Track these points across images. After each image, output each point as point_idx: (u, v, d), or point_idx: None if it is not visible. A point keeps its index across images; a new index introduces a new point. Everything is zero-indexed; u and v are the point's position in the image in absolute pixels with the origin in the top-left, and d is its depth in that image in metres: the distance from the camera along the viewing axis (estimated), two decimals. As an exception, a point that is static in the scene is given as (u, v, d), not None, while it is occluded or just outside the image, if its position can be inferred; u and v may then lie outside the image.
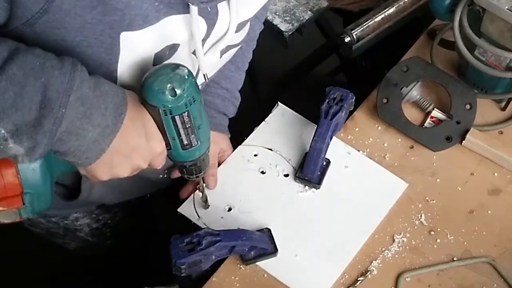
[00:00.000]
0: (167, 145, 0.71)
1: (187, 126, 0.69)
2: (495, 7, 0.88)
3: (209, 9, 0.70)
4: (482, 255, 0.89)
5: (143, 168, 0.71)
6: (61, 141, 0.61)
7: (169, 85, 0.65)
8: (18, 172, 0.68)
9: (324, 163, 0.97)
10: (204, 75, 0.79)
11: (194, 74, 0.80)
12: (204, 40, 0.74)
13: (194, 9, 0.66)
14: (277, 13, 1.38)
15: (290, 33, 1.36)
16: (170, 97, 0.65)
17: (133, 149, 0.67)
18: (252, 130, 1.04)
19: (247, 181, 0.98)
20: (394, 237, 0.92)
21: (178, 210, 0.95)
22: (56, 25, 0.60)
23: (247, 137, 1.04)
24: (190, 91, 0.66)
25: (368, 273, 0.88)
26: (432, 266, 0.89)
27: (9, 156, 0.60)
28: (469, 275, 0.88)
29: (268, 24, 1.36)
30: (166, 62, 0.69)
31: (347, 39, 1.24)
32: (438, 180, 0.97)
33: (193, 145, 0.72)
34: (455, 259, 0.89)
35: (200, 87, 0.88)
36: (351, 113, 1.03)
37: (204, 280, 0.89)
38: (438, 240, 0.91)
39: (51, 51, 0.62)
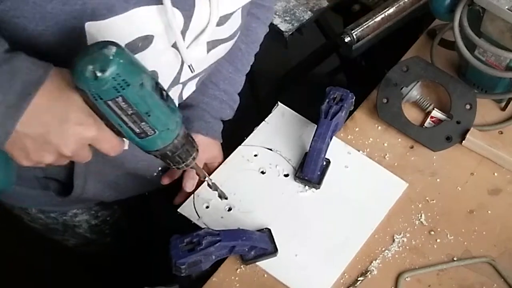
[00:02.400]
0: (118, 132, 0.66)
1: (128, 113, 0.63)
2: (495, 7, 0.88)
3: (185, 0, 0.69)
4: (482, 255, 0.89)
5: (68, 155, 0.65)
6: None
7: (90, 67, 0.58)
8: None
9: (324, 163, 0.97)
10: (189, 66, 0.78)
11: (178, 67, 0.79)
12: (183, 33, 0.73)
13: (166, 0, 0.66)
14: (277, 13, 1.38)
15: (290, 33, 1.36)
16: (92, 80, 0.58)
17: (48, 133, 0.62)
18: (252, 130, 1.04)
19: (247, 181, 0.98)
20: (394, 237, 0.92)
21: (178, 210, 0.95)
22: (15, 13, 0.59)
23: (247, 137, 1.04)
24: (118, 74, 0.59)
25: (368, 273, 0.88)
26: (432, 266, 0.89)
27: None
28: (469, 275, 0.88)
29: (268, 24, 1.36)
30: (99, 40, 0.63)
31: (347, 39, 1.24)
32: (438, 180, 0.97)
33: (148, 134, 0.66)
34: (455, 259, 0.89)
35: (191, 81, 0.87)
36: (351, 113, 1.03)
37: (204, 280, 0.89)
38: (438, 240, 0.91)
39: (14, 40, 0.61)
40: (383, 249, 0.91)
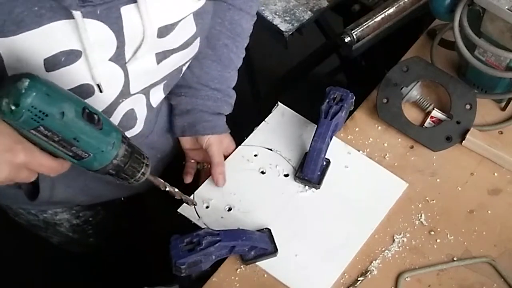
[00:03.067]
0: (55, 155, 0.68)
1: (55, 140, 0.64)
2: (495, 7, 0.88)
3: (107, 13, 0.68)
4: (482, 255, 0.89)
5: (5, 180, 0.66)
6: None
7: (6, 100, 0.60)
8: None
9: (324, 163, 0.97)
10: (98, 85, 0.76)
11: (123, 80, 0.78)
12: (121, 47, 0.73)
13: (77, 14, 0.65)
14: (277, 13, 1.38)
15: (290, 33, 1.36)
16: (7, 113, 0.60)
17: None
18: (252, 130, 1.04)
19: (247, 181, 0.98)
20: (394, 237, 0.92)
21: (178, 210, 0.95)
22: None
23: (247, 137, 1.04)
24: (33, 106, 0.60)
25: (368, 273, 0.88)
26: (432, 266, 0.89)
27: None
28: (469, 275, 0.88)
29: (268, 24, 1.36)
30: (16, 73, 0.64)
31: (347, 39, 1.24)
32: (438, 180, 0.97)
33: (83, 157, 0.68)
34: (455, 259, 0.89)
35: (153, 87, 0.85)
36: (351, 113, 1.03)
37: (204, 280, 0.89)
38: (438, 240, 0.91)
39: None
40: (383, 249, 0.91)
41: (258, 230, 0.91)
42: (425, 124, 1.03)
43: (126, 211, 1.22)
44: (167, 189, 0.85)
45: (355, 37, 1.24)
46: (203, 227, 0.92)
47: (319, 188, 0.96)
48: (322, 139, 0.94)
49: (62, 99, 0.63)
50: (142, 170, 0.76)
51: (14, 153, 0.65)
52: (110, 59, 0.73)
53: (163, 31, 0.76)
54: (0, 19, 0.61)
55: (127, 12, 0.70)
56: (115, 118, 0.83)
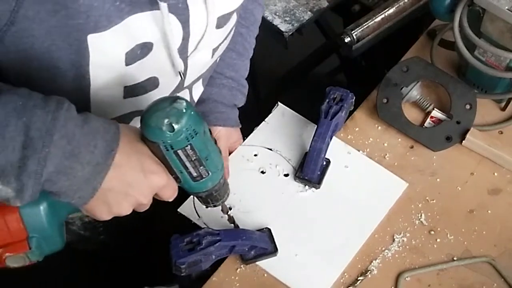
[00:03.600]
0: (176, 178, 0.69)
1: (192, 159, 0.67)
2: (495, 7, 0.88)
3: (180, 5, 0.69)
4: (482, 255, 0.89)
5: (145, 204, 0.69)
6: (50, 181, 0.59)
7: (166, 121, 0.62)
8: (21, 216, 0.67)
9: (324, 163, 0.97)
10: (180, 72, 0.78)
11: (180, 77, 0.79)
12: (186, 39, 0.73)
13: (163, 6, 0.65)
14: (277, 13, 1.38)
15: (290, 33, 1.36)
16: (168, 132, 0.63)
17: (129, 186, 0.65)
18: (252, 130, 1.04)
19: (247, 181, 0.98)
20: (394, 237, 0.92)
21: (178, 210, 0.95)
22: (24, 34, 0.60)
23: (247, 137, 1.04)
24: (190, 125, 0.63)
25: (368, 273, 0.88)
26: (432, 266, 0.89)
27: (1, 199, 0.59)
28: (469, 275, 0.88)
29: (268, 24, 1.36)
30: (164, 96, 0.67)
31: (347, 39, 1.25)
32: (438, 180, 0.97)
33: (203, 176, 0.70)
34: (455, 259, 0.89)
35: (197, 82, 0.87)
36: (351, 113, 1.03)
37: (204, 280, 0.89)
38: (438, 240, 0.91)
39: (22, 61, 0.61)
40: (383, 249, 0.91)
41: (258, 230, 0.91)
42: (425, 124, 1.03)
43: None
44: (225, 212, 0.86)
45: (355, 37, 1.24)
46: (203, 227, 0.92)
47: (319, 188, 0.96)
48: (322, 139, 0.94)
49: (203, 119, 0.67)
50: (228, 191, 0.79)
51: (158, 175, 0.67)
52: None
53: (221, 21, 0.77)
54: (96, 14, 0.61)
55: (193, 2, 0.70)
56: None
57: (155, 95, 0.77)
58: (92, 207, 0.65)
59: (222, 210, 0.84)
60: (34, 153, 0.56)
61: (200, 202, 0.78)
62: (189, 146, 0.65)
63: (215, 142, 0.71)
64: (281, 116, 1.06)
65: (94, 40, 0.63)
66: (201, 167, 0.69)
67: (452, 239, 0.91)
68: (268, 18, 1.37)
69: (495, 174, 0.98)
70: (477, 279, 0.87)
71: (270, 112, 1.07)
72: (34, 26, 0.59)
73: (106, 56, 0.66)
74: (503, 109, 1.06)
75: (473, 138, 0.98)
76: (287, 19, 1.37)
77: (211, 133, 0.70)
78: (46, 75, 0.65)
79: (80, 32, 0.62)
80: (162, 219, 1.30)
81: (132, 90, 0.75)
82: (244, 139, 1.03)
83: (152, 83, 0.76)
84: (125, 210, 0.68)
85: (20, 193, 0.58)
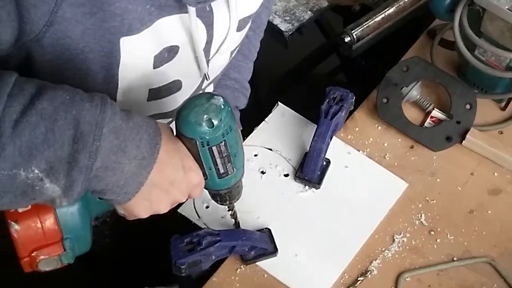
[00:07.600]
0: (204, 175, 0.69)
1: (224, 156, 0.67)
2: (495, 7, 0.88)
3: (207, 8, 0.69)
4: (482, 255, 0.89)
5: (181, 201, 0.69)
6: (97, 178, 0.58)
7: (205, 116, 0.63)
8: (57, 217, 0.66)
9: (324, 163, 0.97)
10: (205, 74, 0.78)
11: (202, 76, 0.80)
12: (209, 43, 0.73)
13: (191, 10, 0.66)
14: (277, 13, 1.38)
15: (290, 33, 1.36)
16: (207, 128, 0.63)
17: (171, 183, 0.65)
18: (252, 130, 1.04)
19: (247, 181, 0.98)
20: (394, 237, 0.92)
21: (178, 210, 0.95)
22: (61, 35, 0.60)
23: (247, 137, 1.04)
24: (227, 121, 0.64)
25: (368, 273, 0.88)
26: (432, 266, 0.89)
27: (46, 199, 0.57)
28: (469, 275, 0.88)
29: (268, 24, 1.36)
30: (200, 92, 0.68)
31: (347, 39, 1.25)
32: (438, 180, 0.97)
33: (229, 173, 0.70)
34: (455, 259, 0.89)
35: (210, 85, 0.87)
36: (351, 113, 1.03)
37: (204, 280, 0.89)
38: (438, 240, 0.91)
39: (57, 62, 0.61)
40: (383, 249, 0.91)
41: (258, 230, 0.91)
42: (425, 124, 1.03)
43: None
44: (233, 216, 0.87)
45: (355, 37, 1.24)
46: (203, 227, 0.92)
47: (319, 188, 0.96)
48: (322, 139, 0.94)
49: (233, 114, 0.67)
50: (240, 194, 0.79)
51: (195, 172, 0.67)
52: (196, 55, 0.74)
53: (242, 24, 0.77)
54: (129, 17, 0.61)
55: (217, 5, 0.70)
56: None
57: (176, 98, 0.78)
58: (135, 204, 0.64)
59: (228, 207, 0.84)
60: (85, 147, 0.55)
61: (216, 200, 0.78)
62: (223, 142, 0.65)
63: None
64: (281, 116, 1.06)
65: (126, 43, 0.63)
66: (229, 164, 0.69)
67: (452, 240, 0.91)
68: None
69: (495, 174, 0.98)
70: (477, 279, 0.87)
71: (270, 112, 1.07)
72: (71, 28, 0.59)
73: (136, 59, 0.67)
74: (503, 109, 1.06)
75: (473, 138, 0.98)
76: (287, 18, 1.37)
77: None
78: (78, 77, 0.65)
79: (113, 34, 0.62)
80: (162, 219, 1.30)
81: (157, 93, 0.75)
82: (244, 139, 1.03)
83: (175, 86, 0.76)
84: (164, 207, 0.68)
85: (68, 191, 0.57)
